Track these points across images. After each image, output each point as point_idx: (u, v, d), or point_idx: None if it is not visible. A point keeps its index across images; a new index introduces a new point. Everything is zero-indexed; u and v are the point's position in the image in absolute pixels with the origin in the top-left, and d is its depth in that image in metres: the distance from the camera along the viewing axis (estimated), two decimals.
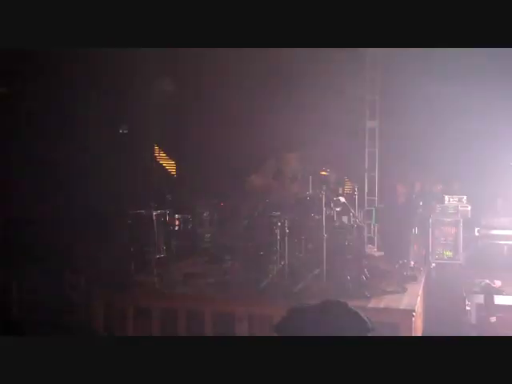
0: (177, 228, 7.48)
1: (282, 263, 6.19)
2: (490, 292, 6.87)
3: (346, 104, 9.63)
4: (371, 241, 9.18)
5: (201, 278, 6.59)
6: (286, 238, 6.21)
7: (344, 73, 9.32)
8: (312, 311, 3.19)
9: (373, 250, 8.53)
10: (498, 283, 7.06)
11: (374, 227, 9.29)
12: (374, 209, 9.42)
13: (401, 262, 7.24)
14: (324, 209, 6.30)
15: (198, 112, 10.13)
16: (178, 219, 7.47)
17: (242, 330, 5.64)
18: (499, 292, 6.93)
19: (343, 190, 7.69)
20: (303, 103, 9.77)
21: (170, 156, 11.87)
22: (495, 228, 8.82)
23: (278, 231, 6.21)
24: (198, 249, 8.18)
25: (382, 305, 5.54)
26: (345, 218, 7.12)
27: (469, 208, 8.92)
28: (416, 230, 8.71)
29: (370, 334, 3.10)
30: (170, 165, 11.95)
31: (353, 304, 5.21)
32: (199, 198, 8.76)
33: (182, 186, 9.92)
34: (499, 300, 6.88)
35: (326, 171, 7.13)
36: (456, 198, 8.98)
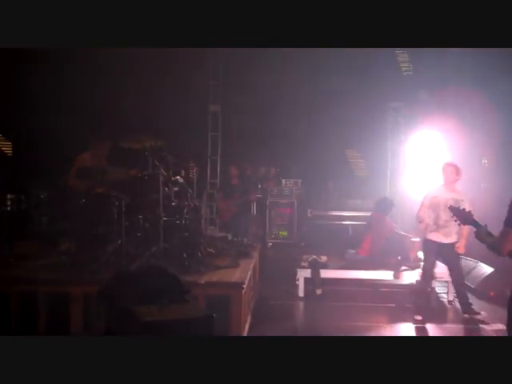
0: (8, 209, 7.07)
1: (119, 242, 6.19)
2: (316, 266, 7.43)
3: (188, 90, 9.78)
4: (213, 222, 9.47)
5: (33, 260, 6.33)
6: (123, 217, 6.21)
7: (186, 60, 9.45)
8: (134, 274, 3.30)
9: (214, 231, 8.80)
10: (324, 258, 7.66)
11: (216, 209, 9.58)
12: (214, 192, 9.72)
13: (235, 239, 7.57)
14: (161, 188, 6.39)
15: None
16: (9, 199, 7.06)
17: (77, 309, 5.57)
18: (325, 266, 7.53)
19: (186, 172, 7.81)
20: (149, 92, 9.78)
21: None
22: (326, 209, 9.57)
23: (114, 210, 6.18)
24: (32, 231, 7.81)
25: (214, 279, 5.78)
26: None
27: (303, 191, 9.58)
28: (254, 212, 9.15)
29: (187, 296, 3.28)
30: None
31: (188, 279, 5.45)
32: (34, 177, 8.36)
33: (17, 166, 9.41)
34: (325, 274, 7.48)
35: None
36: (292, 181, 9.59)
